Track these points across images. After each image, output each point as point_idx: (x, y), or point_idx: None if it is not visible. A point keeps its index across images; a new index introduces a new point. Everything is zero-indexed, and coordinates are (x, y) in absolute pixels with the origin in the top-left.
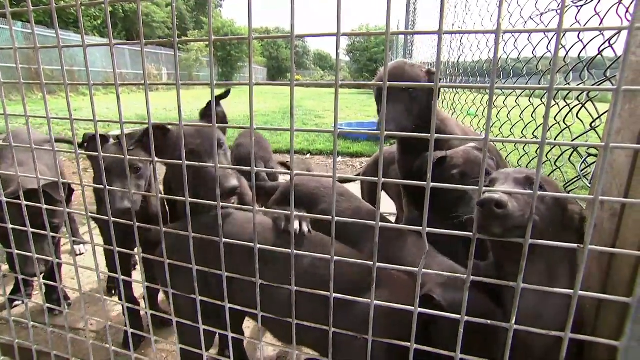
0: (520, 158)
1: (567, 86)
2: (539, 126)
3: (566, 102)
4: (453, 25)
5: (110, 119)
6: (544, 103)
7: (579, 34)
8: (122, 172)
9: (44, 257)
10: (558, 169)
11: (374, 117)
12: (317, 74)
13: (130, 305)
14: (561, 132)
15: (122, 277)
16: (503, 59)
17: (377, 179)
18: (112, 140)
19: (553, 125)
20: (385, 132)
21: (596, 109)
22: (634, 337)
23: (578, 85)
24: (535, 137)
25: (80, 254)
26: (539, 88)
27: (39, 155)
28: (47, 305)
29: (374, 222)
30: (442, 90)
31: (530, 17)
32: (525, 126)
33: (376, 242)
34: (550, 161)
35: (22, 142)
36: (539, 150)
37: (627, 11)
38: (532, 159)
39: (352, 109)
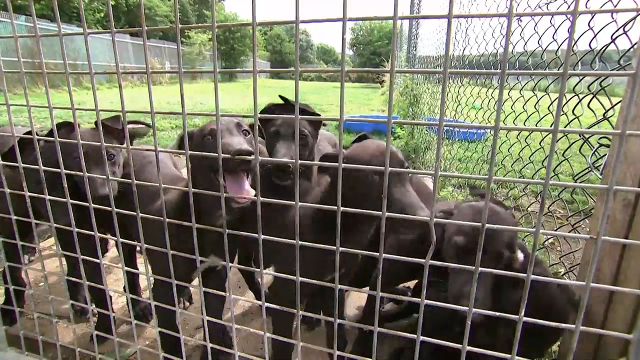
0: (522, 149)
1: (581, 71)
2: (543, 117)
3: (575, 92)
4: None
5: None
6: (548, 94)
7: (589, 21)
8: (99, 158)
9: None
10: (566, 161)
11: (378, 111)
12: (321, 67)
13: (133, 296)
14: (569, 123)
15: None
16: (509, 51)
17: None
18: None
19: (560, 115)
20: (393, 122)
21: (609, 98)
22: None
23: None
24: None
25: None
26: (552, 74)
27: None
28: (52, 296)
29: (380, 213)
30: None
31: (537, 5)
32: (528, 117)
33: (382, 232)
34: (557, 153)
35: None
36: (544, 139)
37: None
38: (535, 151)
39: (355, 102)
